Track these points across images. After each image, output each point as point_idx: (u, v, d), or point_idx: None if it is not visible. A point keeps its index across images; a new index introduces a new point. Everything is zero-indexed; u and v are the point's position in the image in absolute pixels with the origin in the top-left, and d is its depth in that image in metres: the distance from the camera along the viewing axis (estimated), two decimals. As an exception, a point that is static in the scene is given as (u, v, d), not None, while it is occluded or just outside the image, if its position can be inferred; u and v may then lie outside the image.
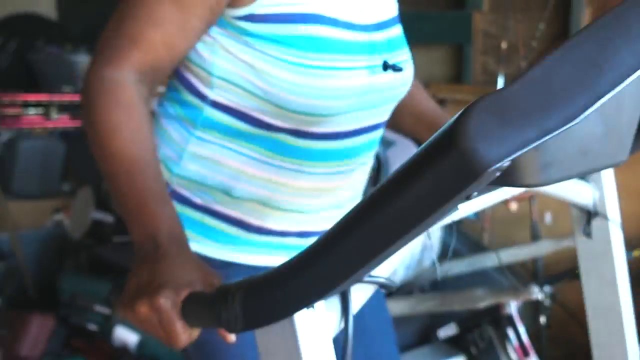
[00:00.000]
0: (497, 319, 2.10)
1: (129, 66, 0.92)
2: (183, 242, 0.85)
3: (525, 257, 2.49)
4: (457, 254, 2.63)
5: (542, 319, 2.43)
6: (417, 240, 1.85)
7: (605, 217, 1.14)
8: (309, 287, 0.62)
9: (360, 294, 0.72)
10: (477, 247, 2.63)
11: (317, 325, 0.66)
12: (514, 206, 1.27)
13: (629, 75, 0.51)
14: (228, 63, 1.01)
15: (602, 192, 1.15)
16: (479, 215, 2.57)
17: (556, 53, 0.52)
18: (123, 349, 2.41)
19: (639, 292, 1.74)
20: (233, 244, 1.10)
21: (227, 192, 1.08)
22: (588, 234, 1.17)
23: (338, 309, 0.70)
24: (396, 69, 1.07)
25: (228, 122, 1.04)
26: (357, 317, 0.74)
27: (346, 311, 0.70)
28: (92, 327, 2.54)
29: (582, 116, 0.50)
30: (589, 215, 1.15)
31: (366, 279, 0.69)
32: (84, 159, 3.44)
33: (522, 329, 2.06)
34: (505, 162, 0.46)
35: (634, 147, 1.05)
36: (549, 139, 0.48)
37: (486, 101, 0.48)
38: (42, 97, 3.61)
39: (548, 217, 2.74)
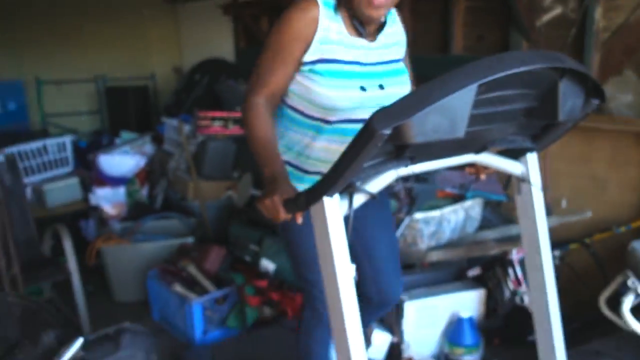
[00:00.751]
0: (504, 262, 2.41)
1: (261, 96, 1.48)
2: (285, 177, 1.38)
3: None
4: (492, 225, 2.92)
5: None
6: (461, 214, 2.33)
7: (529, 182, 1.53)
8: (325, 188, 1.14)
9: (358, 197, 1.23)
10: (507, 220, 2.87)
11: (333, 206, 1.17)
12: (483, 176, 1.66)
13: (443, 98, 0.98)
14: (293, 84, 1.53)
15: (527, 167, 1.51)
16: (509, 197, 2.83)
17: (416, 89, 1.02)
18: (265, 272, 2.83)
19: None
20: (301, 179, 1.60)
21: (295, 151, 1.60)
22: (520, 192, 1.56)
23: (347, 203, 1.21)
24: (382, 88, 1.52)
25: (290, 114, 1.57)
26: (359, 212, 1.24)
27: (350, 204, 1.21)
28: (247, 258, 2.97)
29: (426, 110, 0.97)
30: (520, 181, 1.55)
31: (358, 189, 1.20)
32: (248, 155, 3.97)
33: (518, 269, 2.35)
34: (386, 131, 0.97)
35: (541, 144, 1.45)
36: (405, 123, 0.97)
37: (385, 108, 1.00)
38: (223, 114, 3.96)
39: (564, 203, 2.93)
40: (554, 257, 2.62)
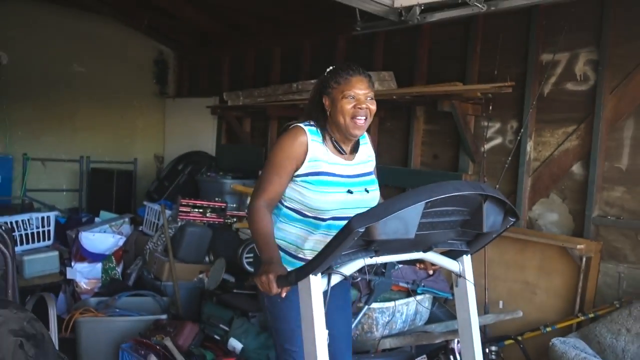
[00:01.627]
0: (446, 351, 2.75)
1: (262, 201, 1.88)
2: (279, 260, 1.74)
3: (480, 324, 3.12)
4: (439, 319, 3.29)
5: (489, 367, 3.01)
6: (411, 310, 2.71)
7: (464, 277, 1.94)
8: (312, 268, 1.52)
9: (334, 277, 1.60)
10: (452, 316, 3.23)
11: (317, 283, 1.54)
12: (430, 272, 2.05)
13: (401, 210, 1.41)
14: (288, 190, 1.94)
15: (463, 265, 1.92)
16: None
17: (383, 202, 1.45)
18: (232, 351, 3.04)
19: None
20: (291, 263, 1.94)
21: (291, 243, 1.97)
22: (457, 285, 1.96)
23: (325, 281, 1.59)
24: (353, 193, 1.93)
25: (289, 213, 1.96)
26: (332, 292, 1.61)
27: (328, 282, 1.59)
28: (217, 336, 3.19)
29: (389, 217, 1.40)
30: (457, 276, 1.95)
31: (335, 271, 1.59)
32: (222, 242, 4.29)
33: (459, 357, 2.68)
34: (360, 229, 1.38)
35: (474, 249, 1.86)
36: (374, 225, 1.39)
37: (360, 214, 1.42)
38: (202, 203, 4.32)
39: (500, 304, 3.34)
40: (491, 352, 3.01)
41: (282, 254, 1.91)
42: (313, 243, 1.94)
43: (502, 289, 3.35)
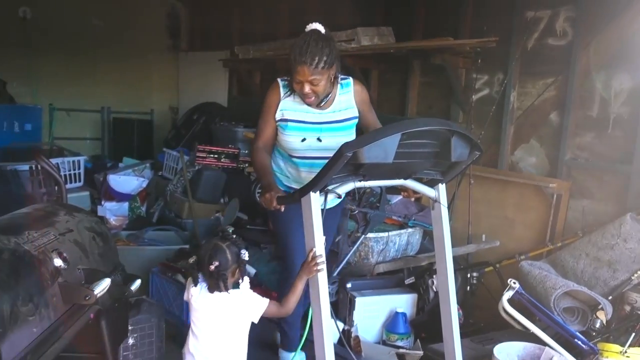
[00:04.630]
0: (430, 272, 3.20)
1: (258, 142, 2.35)
2: (275, 184, 2.18)
3: (463, 252, 3.57)
4: (428, 251, 3.71)
5: (469, 289, 3.46)
6: (404, 238, 3.20)
7: (439, 202, 2.34)
8: (312, 186, 1.93)
9: (330, 196, 2.02)
10: None
11: (316, 199, 1.96)
12: (412, 198, 2.45)
13: (381, 139, 1.81)
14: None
15: (439, 192, 2.31)
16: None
17: (367, 133, 1.85)
18: (248, 275, 3.56)
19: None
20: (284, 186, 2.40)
21: (282, 174, 2.40)
22: (433, 209, 2.36)
23: (323, 199, 2.00)
24: (320, 140, 2.36)
25: (277, 150, 2.41)
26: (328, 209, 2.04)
27: (325, 199, 2.00)
28: None
29: (371, 144, 1.80)
30: (434, 201, 2.36)
31: (330, 191, 2.00)
32: (235, 184, 4.71)
33: None
34: (349, 153, 1.78)
35: (447, 177, 2.29)
36: (359, 150, 1.79)
37: (350, 141, 1.82)
38: (217, 149, 4.74)
39: (483, 237, 3.73)
40: (472, 277, 3.44)
41: (278, 181, 2.37)
42: (296, 176, 2.42)
43: (484, 224, 3.77)
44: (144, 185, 4.82)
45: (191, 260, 1.96)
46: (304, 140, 2.35)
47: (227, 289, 1.85)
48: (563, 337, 2.57)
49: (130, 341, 2.75)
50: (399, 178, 2.20)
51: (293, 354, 2.58)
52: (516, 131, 3.75)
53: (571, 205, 3.43)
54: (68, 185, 4.71)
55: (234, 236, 1.94)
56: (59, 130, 5.98)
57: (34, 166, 4.17)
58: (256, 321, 1.95)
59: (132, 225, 4.51)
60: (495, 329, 3.09)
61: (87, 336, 1.80)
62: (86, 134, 6.31)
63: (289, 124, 2.35)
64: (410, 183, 2.24)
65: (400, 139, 1.86)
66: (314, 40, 2.19)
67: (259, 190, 4.07)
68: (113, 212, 4.53)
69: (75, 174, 4.77)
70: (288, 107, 2.36)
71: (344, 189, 2.03)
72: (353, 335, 3.02)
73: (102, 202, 4.52)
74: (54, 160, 4.63)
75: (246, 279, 1.96)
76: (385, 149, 1.85)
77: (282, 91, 2.36)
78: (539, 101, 3.61)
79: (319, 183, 1.90)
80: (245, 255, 1.90)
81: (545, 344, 2.46)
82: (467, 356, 2.58)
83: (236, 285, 1.91)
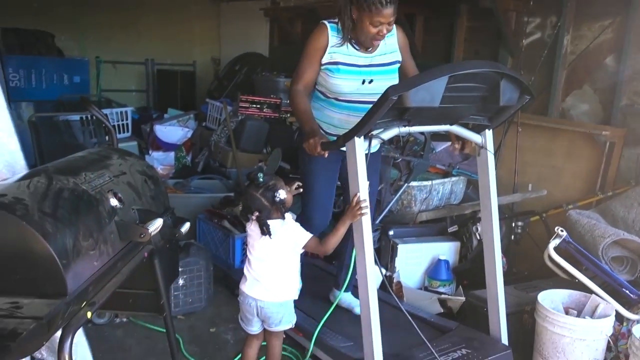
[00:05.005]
0: (474, 219, 3.18)
1: (298, 85, 2.29)
2: (319, 130, 2.15)
3: (508, 201, 3.51)
4: (471, 200, 3.68)
5: (513, 238, 3.43)
6: (447, 189, 3.18)
7: (486, 149, 2.30)
8: (357, 131, 1.92)
9: (374, 141, 2.00)
10: None
11: (360, 143, 1.95)
12: (456, 150, 2.40)
13: (427, 82, 1.77)
14: (318, 77, 2.32)
15: (485, 138, 2.27)
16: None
17: (414, 76, 1.82)
18: None
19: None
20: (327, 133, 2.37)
21: (321, 120, 2.35)
22: (479, 155, 2.33)
23: (367, 144, 1.99)
24: (370, 82, 2.31)
25: (318, 95, 2.37)
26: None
27: (369, 144, 1.99)
28: None
29: (417, 87, 1.76)
30: (480, 147, 2.31)
31: (375, 136, 1.99)
32: (278, 134, 4.74)
33: None
34: (394, 97, 1.75)
35: (495, 123, 2.23)
36: (405, 93, 1.76)
37: (395, 85, 1.79)
38: (259, 99, 4.78)
39: (530, 186, 3.68)
40: (517, 226, 3.40)
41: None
42: (337, 121, 2.38)
43: (531, 173, 3.69)
44: (189, 135, 4.91)
45: (239, 208, 2.06)
46: (363, 82, 2.31)
47: (269, 234, 1.99)
48: (610, 287, 2.53)
49: (181, 282, 2.90)
50: (445, 123, 2.16)
51: (341, 292, 2.67)
52: (568, 77, 3.60)
53: (624, 154, 3.31)
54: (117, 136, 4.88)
55: (263, 178, 2.01)
56: (105, 82, 6.12)
57: (84, 116, 4.34)
58: (299, 252, 2.07)
59: (179, 174, 4.64)
60: (539, 278, 3.08)
61: (142, 273, 1.90)
62: (132, 85, 6.43)
63: (340, 67, 2.30)
64: (456, 129, 2.20)
65: (448, 82, 1.82)
66: None
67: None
68: (160, 161, 4.66)
69: (123, 124, 4.90)
70: (338, 50, 2.29)
71: (388, 134, 2.02)
72: (395, 281, 3.07)
73: (150, 152, 4.66)
74: (103, 111, 4.78)
75: (289, 214, 2.04)
76: (431, 92, 1.81)
77: (330, 34, 2.30)
78: (594, 45, 3.44)
79: (364, 128, 1.89)
80: (280, 194, 1.98)
81: (591, 292, 2.43)
82: (511, 303, 2.59)
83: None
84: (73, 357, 1.35)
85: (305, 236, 2.04)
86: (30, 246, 1.23)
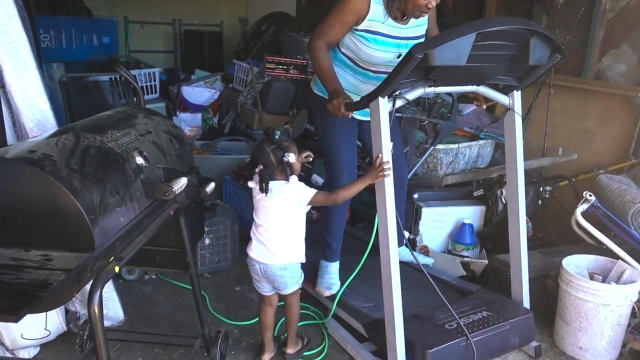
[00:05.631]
0: (501, 184, 3.14)
1: (322, 40, 2.20)
2: (343, 90, 2.11)
3: (536, 165, 3.45)
4: (499, 164, 3.62)
5: (541, 203, 3.39)
6: (474, 150, 3.12)
7: (513, 110, 2.25)
8: (380, 91, 1.90)
9: (399, 101, 1.98)
10: None
11: (384, 104, 1.93)
12: (484, 105, 2.36)
13: (454, 39, 1.72)
14: (347, 39, 2.25)
15: (513, 100, 2.22)
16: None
17: (439, 33, 1.77)
18: (315, 184, 3.55)
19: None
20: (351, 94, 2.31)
21: (344, 87, 2.29)
22: (505, 117, 2.28)
23: (392, 104, 1.97)
24: (400, 55, 2.20)
25: (343, 59, 2.31)
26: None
27: (393, 104, 1.97)
28: (301, 173, 3.75)
29: (443, 45, 1.72)
30: (507, 109, 2.27)
31: (399, 96, 1.96)
32: (303, 96, 4.69)
33: None
34: (420, 55, 1.72)
35: (523, 84, 2.18)
36: (430, 51, 1.72)
37: (419, 43, 1.76)
38: (286, 60, 4.71)
39: (560, 150, 3.59)
40: (545, 191, 3.35)
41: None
42: (360, 90, 2.30)
43: (562, 136, 3.61)
44: (216, 97, 4.93)
45: (248, 160, 2.06)
46: (399, 57, 2.21)
47: (266, 192, 1.98)
48: (639, 253, 2.49)
49: (207, 241, 2.97)
50: (472, 84, 2.12)
51: (332, 264, 2.63)
52: (606, 35, 3.46)
53: (662, 117, 3.20)
54: (145, 98, 4.93)
55: (279, 137, 1.99)
56: (134, 43, 6.15)
57: (113, 77, 4.39)
58: (306, 209, 2.06)
59: (205, 136, 4.68)
60: (566, 243, 3.04)
61: (169, 231, 1.95)
62: (159, 46, 6.45)
63: (377, 37, 2.20)
64: (484, 89, 2.16)
65: (475, 39, 1.77)
66: None
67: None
68: (187, 122, 4.71)
69: (151, 85, 4.94)
70: (377, 18, 2.19)
71: (413, 94, 1.99)
72: (418, 245, 3.08)
73: (177, 113, 4.70)
74: (131, 72, 4.82)
75: (293, 176, 2.02)
76: (458, 50, 1.77)
77: (372, 1, 2.18)
78: (634, 1, 3.28)
79: (388, 87, 1.87)
80: (290, 157, 1.97)
81: (618, 258, 2.40)
82: (534, 267, 2.58)
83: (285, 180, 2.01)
84: (104, 310, 1.41)
85: (310, 192, 2.02)
86: (59, 201, 1.27)
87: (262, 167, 2.00)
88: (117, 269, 1.44)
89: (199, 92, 4.84)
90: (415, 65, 1.76)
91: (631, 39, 3.35)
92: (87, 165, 1.39)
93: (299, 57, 4.83)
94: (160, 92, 5.25)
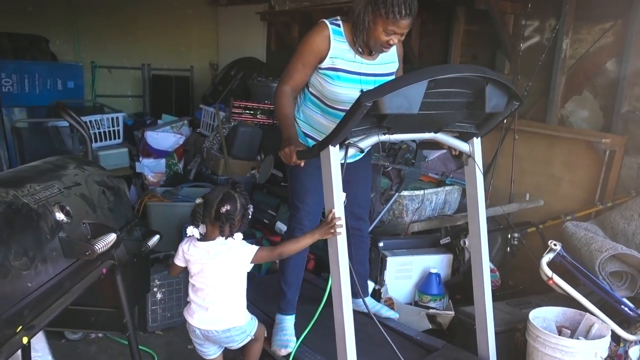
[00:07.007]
0: (467, 232, 3.03)
1: (288, 85, 2.13)
2: (297, 137, 2.03)
3: (503, 212, 3.35)
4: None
5: (509, 250, 3.28)
6: (441, 196, 3.04)
7: (473, 158, 2.17)
8: (331, 140, 1.80)
9: (351, 150, 1.88)
10: None
11: (335, 152, 1.83)
12: (455, 152, 2.25)
13: (405, 86, 1.64)
14: (313, 78, 2.18)
15: (473, 147, 2.14)
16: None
17: (389, 80, 1.69)
18: (279, 232, 3.47)
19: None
20: (306, 142, 2.24)
21: (309, 125, 2.24)
22: (467, 164, 2.19)
23: (343, 153, 1.87)
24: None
25: (311, 99, 2.22)
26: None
27: (345, 153, 1.87)
28: (266, 220, 3.65)
29: (393, 93, 1.64)
30: (467, 157, 2.18)
31: (351, 145, 1.86)
32: (271, 141, 4.63)
33: None
34: (368, 103, 1.63)
35: (483, 131, 2.10)
36: (379, 99, 1.63)
37: (368, 90, 1.67)
38: (254, 105, 4.62)
39: (527, 196, 3.53)
40: (514, 238, 3.26)
41: (299, 132, 2.22)
42: (328, 129, 2.16)
43: (529, 182, 3.55)
44: (181, 142, 4.81)
45: (198, 201, 1.97)
46: (362, 92, 2.07)
47: (232, 234, 1.88)
48: (608, 303, 2.38)
49: (159, 295, 2.78)
50: (428, 131, 2.04)
51: (288, 317, 2.45)
52: (567, 82, 3.46)
53: (625, 163, 3.16)
54: (107, 142, 4.79)
55: (242, 188, 1.96)
56: (101, 87, 6.04)
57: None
58: (248, 268, 1.96)
59: (170, 182, 4.53)
60: (536, 292, 2.94)
61: (104, 290, 1.79)
62: (127, 91, 6.35)
63: (341, 74, 2.13)
64: (442, 137, 2.08)
65: (427, 87, 1.69)
66: None
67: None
68: (150, 168, 4.56)
69: (114, 130, 4.81)
70: (339, 55, 2.12)
71: (367, 142, 1.89)
72: (383, 296, 2.93)
73: (140, 159, 4.55)
74: (93, 117, 4.70)
75: (239, 234, 1.93)
76: (408, 98, 1.68)
77: (332, 37, 2.10)
78: (594, 48, 3.30)
79: (338, 136, 1.77)
80: (250, 208, 1.93)
81: (587, 310, 2.29)
82: (502, 320, 2.45)
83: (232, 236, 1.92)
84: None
85: (252, 249, 1.92)
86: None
87: (228, 207, 1.88)
88: (25, 339, 1.27)
89: (164, 137, 4.72)
90: (366, 113, 1.67)
91: (592, 85, 3.35)
92: (-10, 224, 1.24)
93: (266, 102, 4.75)
94: (126, 137, 5.12)
